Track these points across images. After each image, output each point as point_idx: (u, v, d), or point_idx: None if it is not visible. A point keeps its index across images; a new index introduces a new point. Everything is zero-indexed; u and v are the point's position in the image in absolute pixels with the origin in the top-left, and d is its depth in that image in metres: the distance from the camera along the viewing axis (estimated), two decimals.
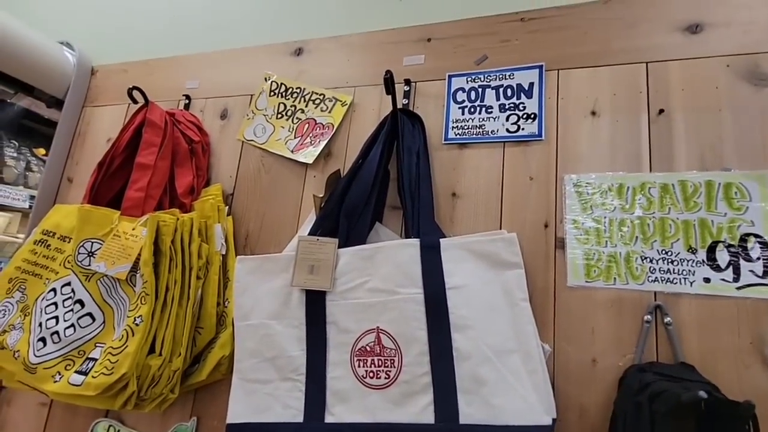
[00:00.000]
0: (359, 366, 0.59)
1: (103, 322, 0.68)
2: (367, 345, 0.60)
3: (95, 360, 0.65)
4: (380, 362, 0.58)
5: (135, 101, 0.83)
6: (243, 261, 0.68)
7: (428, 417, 0.55)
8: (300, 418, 0.59)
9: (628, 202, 0.61)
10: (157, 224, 0.68)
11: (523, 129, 0.68)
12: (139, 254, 0.67)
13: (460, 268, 0.60)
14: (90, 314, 0.68)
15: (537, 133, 0.67)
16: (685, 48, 0.64)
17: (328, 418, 0.58)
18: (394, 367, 0.58)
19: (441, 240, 0.61)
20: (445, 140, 0.72)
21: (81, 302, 0.68)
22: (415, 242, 0.61)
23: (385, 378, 0.58)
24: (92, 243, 0.70)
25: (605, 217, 0.62)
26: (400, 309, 0.59)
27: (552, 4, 0.72)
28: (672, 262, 0.58)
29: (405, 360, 0.57)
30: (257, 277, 0.67)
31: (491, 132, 0.70)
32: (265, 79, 0.88)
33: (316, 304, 0.63)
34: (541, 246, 0.64)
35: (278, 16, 0.94)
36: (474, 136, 0.71)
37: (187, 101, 0.93)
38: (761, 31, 0.61)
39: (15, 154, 1.20)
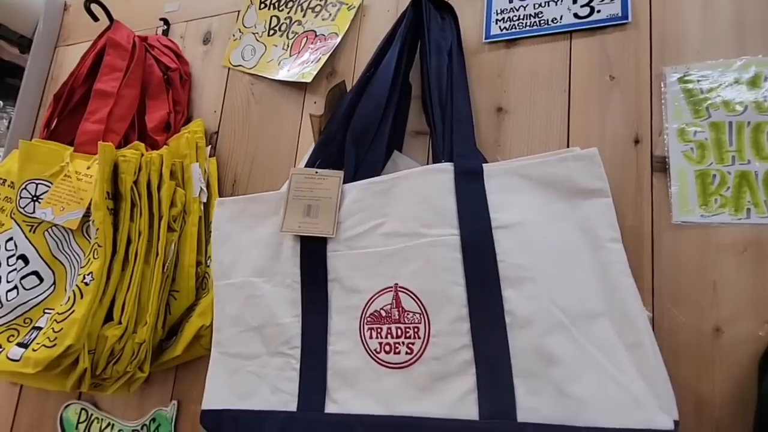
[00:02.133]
0: (371, 337, 0.43)
1: (53, 283, 0.54)
2: (381, 309, 0.43)
3: (41, 329, 0.51)
4: (399, 332, 0.42)
5: (96, 19, 0.68)
6: (222, 204, 0.53)
7: (469, 410, 0.38)
8: (293, 406, 0.43)
9: None
10: (114, 160, 0.53)
11: (598, 11, 0.49)
12: None
13: (514, 200, 0.41)
14: (36, 273, 0.54)
15: (620, 14, 0.48)
16: None
17: (330, 407, 0.42)
18: (419, 338, 0.41)
19: (484, 165, 0.43)
20: (486, 38, 0.53)
21: (24, 258, 0.54)
22: (448, 167, 0.43)
23: (407, 353, 0.41)
24: (37, 185, 0.56)
25: (730, 122, 0.42)
26: (427, 257, 0.42)
27: None
28: None
29: (434, 328, 0.40)
30: (241, 223, 0.51)
31: (552, 21, 0.50)
32: None
33: (313, 256, 0.47)
34: (630, 170, 0.45)
35: None
36: (527, 28, 0.51)
37: (165, 27, 0.77)
38: None
39: None
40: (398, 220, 0.44)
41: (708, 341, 0.40)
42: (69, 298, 0.50)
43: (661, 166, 0.44)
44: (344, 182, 0.48)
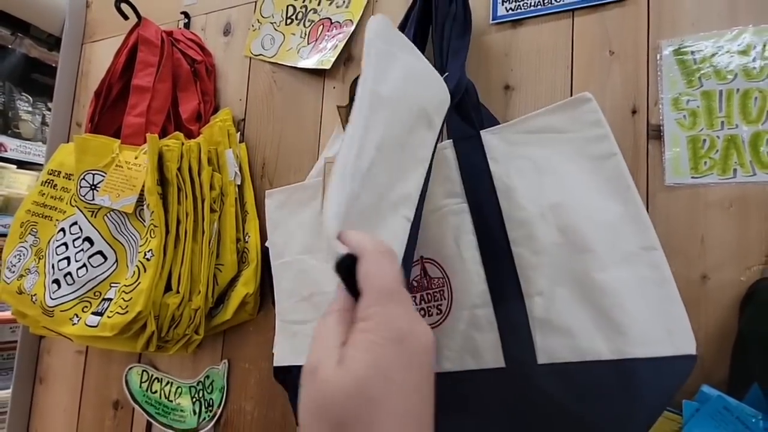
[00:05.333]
0: None
1: (116, 260, 0.62)
2: (413, 280, 0.49)
3: (111, 300, 0.59)
4: (429, 296, 0.47)
5: (125, 17, 0.72)
6: (271, 195, 0.60)
7: (496, 358, 0.42)
8: None
9: (757, 65, 0.45)
10: (159, 149, 0.60)
11: None
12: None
13: (514, 162, 0.45)
14: (101, 252, 0.62)
15: None
16: None
17: None
18: (444, 299, 0.46)
19: (482, 132, 0.47)
20: (493, 19, 0.57)
21: (89, 240, 0.62)
22: (447, 143, 0.48)
23: (437, 314, 0.46)
24: (93, 175, 0.63)
25: (720, 90, 0.46)
26: (440, 227, 0.47)
27: None
28: None
29: (454, 287, 0.45)
30: (287, 210, 0.58)
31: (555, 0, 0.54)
32: None
33: None
34: (628, 138, 0.49)
35: None
36: (532, 8, 0.55)
37: (186, 20, 0.81)
38: None
39: (30, 109, 1.15)
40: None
41: (695, 287, 0.45)
42: (134, 272, 0.57)
43: (656, 133, 0.48)
44: None
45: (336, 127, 0.63)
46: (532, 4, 0.55)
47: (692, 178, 0.46)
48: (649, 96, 0.49)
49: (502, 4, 0.56)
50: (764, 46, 0.45)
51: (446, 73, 0.48)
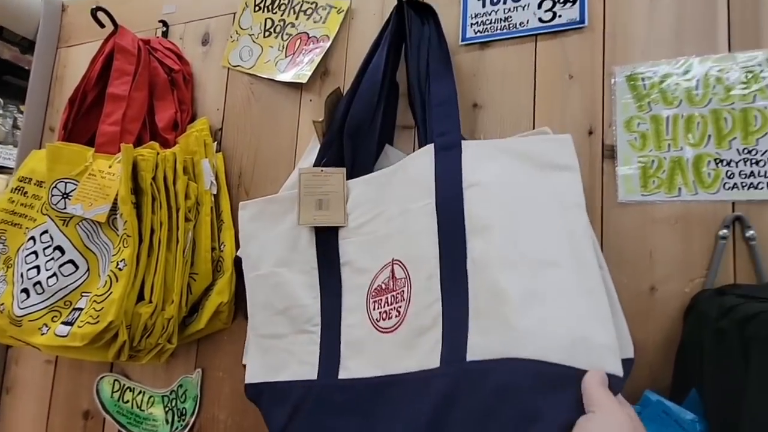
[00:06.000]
0: (374, 308, 0.49)
1: (87, 269, 0.62)
2: (382, 282, 0.49)
3: (81, 310, 0.58)
4: (392, 299, 0.47)
5: (102, 25, 0.72)
6: (245, 206, 0.60)
7: (434, 359, 0.40)
8: (314, 375, 0.50)
9: (699, 93, 0.48)
10: (134, 159, 0.60)
11: (560, 16, 0.55)
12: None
13: (487, 165, 0.45)
14: (72, 261, 0.61)
15: (578, 18, 0.54)
16: None
17: (342, 374, 0.49)
18: (404, 300, 0.46)
19: (463, 141, 0.48)
20: (462, 41, 0.60)
21: (60, 249, 0.61)
22: (429, 148, 0.48)
23: (396, 316, 0.46)
24: (66, 183, 0.62)
25: (667, 115, 0.49)
26: (410, 227, 0.47)
27: None
28: (756, 162, 0.46)
29: (414, 287, 0.45)
30: (262, 222, 0.58)
31: (519, 24, 0.57)
32: None
33: (327, 243, 0.54)
34: (585, 157, 0.52)
35: None
36: (498, 31, 0.58)
37: (164, 29, 0.82)
38: None
39: (1, 111, 1.12)
40: (394, 204, 0.50)
41: (644, 298, 0.49)
42: (105, 282, 0.57)
43: (610, 153, 0.51)
44: (347, 176, 0.55)
45: (312, 140, 0.65)
46: (498, 28, 0.58)
47: (642, 195, 0.49)
48: (604, 118, 0.52)
49: (471, 27, 0.59)
50: (706, 75, 0.48)
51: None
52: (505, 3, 0.58)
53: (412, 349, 0.44)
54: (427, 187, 0.46)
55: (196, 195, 0.65)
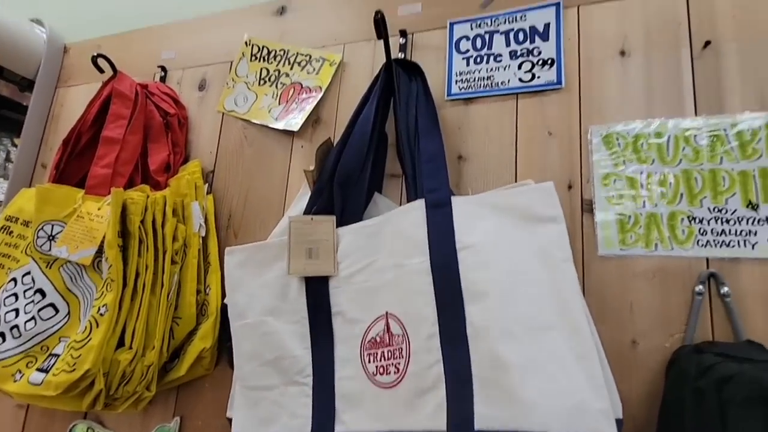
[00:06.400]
0: (370, 361, 0.49)
1: (68, 313, 0.61)
2: (377, 335, 0.49)
3: (58, 356, 0.57)
4: (389, 354, 0.47)
5: (101, 71, 0.75)
6: (232, 253, 0.59)
7: (440, 422, 0.41)
8: (308, 428, 0.49)
9: (670, 153, 0.51)
10: (123, 202, 0.60)
11: (538, 77, 0.58)
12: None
13: (478, 224, 0.47)
14: (52, 305, 0.60)
15: (555, 80, 0.57)
16: None
17: (338, 428, 0.48)
18: (403, 357, 0.46)
19: (453, 197, 0.50)
20: (448, 96, 0.63)
21: (42, 292, 0.60)
22: (419, 204, 0.50)
23: (395, 372, 0.46)
24: (53, 225, 0.63)
25: (641, 173, 0.52)
26: (405, 284, 0.48)
27: None
28: (727, 221, 0.48)
29: (413, 346, 0.46)
30: (249, 269, 0.57)
31: (501, 83, 0.60)
32: (246, 43, 0.79)
33: (318, 293, 0.54)
34: (565, 211, 0.53)
35: None
36: (481, 89, 0.61)
37: (162, 74, 0.85)
38: None
39: None
40: (386, 256, 0.51)
41: (627, 351, 0.49)
42: (85, 327, 0.56)
43: (589, 207, 0.53)
44: (337, 223, 0.56)
45: (302, 186, 0.66)
46: (482, 86, 0.61)
47: (621, 250, 0.51)
48: (582, 173, 0.54)
49: (456, 84, 0.62)
50: (676, 136, 0.51)
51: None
52: (487, 63, 0.62)
53: (414, 408, 0.44)
54: (421, 245, 0.48)
55: (185, 237, 0.65)
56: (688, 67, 0.53)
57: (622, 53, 0.56)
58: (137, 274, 0.60)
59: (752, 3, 0.52)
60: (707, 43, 0.52)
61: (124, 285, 0.59)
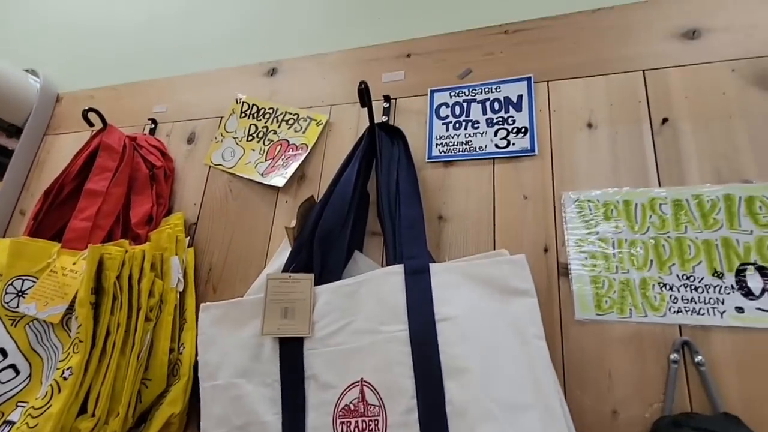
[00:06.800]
0: (342, 430, 0.47)
1: (29, 375, 0.57)
2: (351, 402, 0.48)
3: (13, 424, 0.53)
4: (364, 424, 0.46)
5: (91, 124, 0.76)
6: (207, 309, 0.58)
7: None
8: None
9: (638, 220, 0.53)
10: (100, 257, 0.59)
11: (513, 144, 0.62)
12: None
13: (456, 295, 0.49)
14: (13, 366, 0.57)
15: (529, 148, 0.61)
16: (684, 54, 0.59)
17: None
18: (378, 430, 0.45)
19: (431, 264, 0.51)
20: (429, 158, 0.65)
21: (3, 352, 0.57)
22: (399, 269, 0.51)
23: None
24: (23, 281, 0.61)
25: (613, 239, 0.54)
26: (383, 352, 0.48)
27: (535, 16, 0.68)
28: (696, 289, 0.49)
29: (390, 420, 0.45)
30: (224, 327, 0.56)
31: (479, 148, 0.63)
32: (236, 100, 0.82)
33: (291, 355, 0.52)
34: (542, 273, 0.55)
35: (252, 37, 0.90)
36: (460, 153, 0.64)
37: (153, 126, 0.86)
38: (765, 33, 0.56)
39: None
40: (363, 318, 0.51)
41: (608, 422, 0.48)
42: (46, 392, 0.53)
43: (565, 271, 0.54)
44: (315, 282, 0.56)
45: (283, 242, 0.66)
46: (461, 150, 0.64)
47: (597, 315, 0.51)
48: (557, 237, 0.56)
49: (436, 147, 0.65)
50: (642, 205, 0.54)
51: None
52: (465, 128, 0.65)
53: None
54: (399, 313, 0.49)
55: (161, 293, 0.64)
56: (649, 141, 0.56)
57: (590, 125, 0.60)
58: (108, 333, 0.58)
59: (701, 85, 0.57)
60: (665, 120, 0.57)
61: (93, 345, 0.56)
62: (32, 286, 0.60)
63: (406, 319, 0.48)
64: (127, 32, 1.04)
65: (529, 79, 0.64)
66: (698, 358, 0.47)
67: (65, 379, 0.53)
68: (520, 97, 0.64)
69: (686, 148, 0.55)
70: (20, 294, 0.60)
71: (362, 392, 0.48)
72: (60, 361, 0.56)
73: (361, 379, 0.48)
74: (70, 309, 0.59)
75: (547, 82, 0.64)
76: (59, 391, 0.53)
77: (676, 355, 0.47)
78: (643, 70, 0.60)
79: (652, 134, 0.57)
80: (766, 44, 0.56)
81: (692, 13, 0.60)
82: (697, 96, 0.57)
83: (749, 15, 0.58)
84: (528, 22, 0.68)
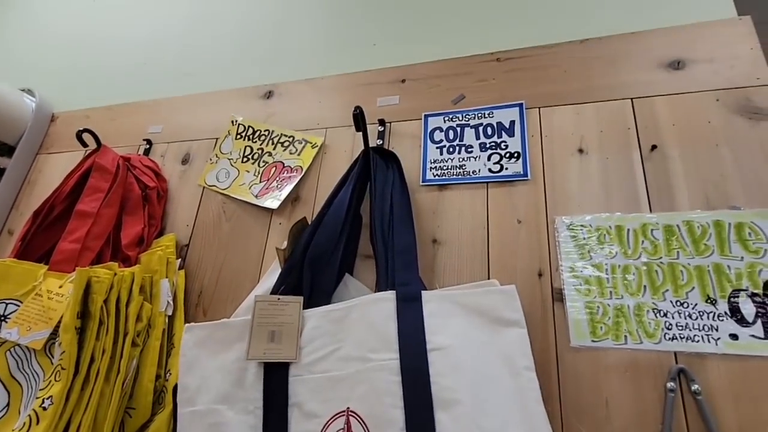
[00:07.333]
0: None
1: (7, 404, 0.55)
2: (337, 431, 0.46)
3: None
4: None
5: (86, 145, 0.76)
6: (191, 330, 0.56)
7: None
8: None
9: (630, 246, 0.54)
10: (87, 280, 0.58)
11: (506, 168, 0.62)
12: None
13: (447, 324, 0.48)
14: None
15: (522, 172, 0.61)
16: (669, 83, 0.61)
17: None
18: None
19: (423, 292, 0.51)
20: (423, 181, 0.66)
21: None
22: (390, 295, 0.51)
23: None
24: (7, 305, 0.59)
25: (606, 264, 0.54)
26: (371, 381, 0.47)
27: (526, 45, 0.70)
28: (689, 315, 0.49)
29: None
30: (207, 349, 0.54)
31: (473, 172, 0.64)
32: (232, 122, 0.82)
33: (276, 381, 0.51)
34: (536, 298, 0.55)
35: (248, 60, 0.91)
36: (454, 176, 0.64)
37: (147, 146, 0.86)
38: (746, 65, 0.58)
39: None
40: (351, 345, 0.50)
41: None
42: (24, 423, 0.51)
43: (559, 296, 0.54)
44: (304, 305, 0.55)
45: (273, 263, 0.66)
46: (455, 173, 0.64)
47: (592, 342, 0.51)
48: (551, 262, 0.56)
49: (430, 170, 0.66)
50: (634, 231, 0.54)
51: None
52: (459, 153, 0.66)
53: None
54: (390, 341, 0.48)
55: (149, 317, 0.62)
56: (639, 167, 0.57)
57: (581, 151, 0.61)
58: (92, 360, 0.56)
59: (687, 114, 0.58)
60: (654, 146, 0.58)
61: (76, 372, 0.54)
62: (16, 310, 0.59)
63: (397, 348, 0.48)
64: (126, 53, 1.05)
65: (521, 105, 0.66)
66: (695, 386, 0.46)
67: (44, 409, 0.51)
68: (512, 122, 0.65)
69: (675, 175, 0.56)
70: (3, 318, 0.58)
71: (348, 422, 0.47)
72: (40, 389, 0.54)
73: (347, 408, 0.47)
74: (54, 334, 0.57)
75: (539, 108, 0.65)
76: (37, 422, 0.50)
77: (672, 383, 0.47)
78: (631, 98, 0.61)
79: (642, 160, 0.58)
80: (747, 75, 0.58)
81: (676, 45, 0.62)
82: (684, 124, 0.58)
83: (731, 47, 0.60)
84: (519, 50, 0.70)
